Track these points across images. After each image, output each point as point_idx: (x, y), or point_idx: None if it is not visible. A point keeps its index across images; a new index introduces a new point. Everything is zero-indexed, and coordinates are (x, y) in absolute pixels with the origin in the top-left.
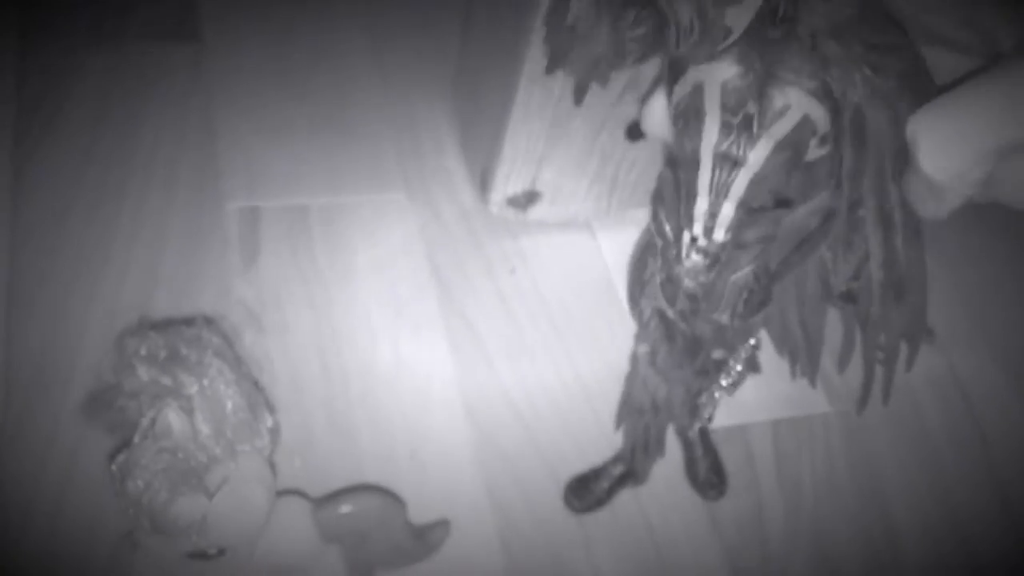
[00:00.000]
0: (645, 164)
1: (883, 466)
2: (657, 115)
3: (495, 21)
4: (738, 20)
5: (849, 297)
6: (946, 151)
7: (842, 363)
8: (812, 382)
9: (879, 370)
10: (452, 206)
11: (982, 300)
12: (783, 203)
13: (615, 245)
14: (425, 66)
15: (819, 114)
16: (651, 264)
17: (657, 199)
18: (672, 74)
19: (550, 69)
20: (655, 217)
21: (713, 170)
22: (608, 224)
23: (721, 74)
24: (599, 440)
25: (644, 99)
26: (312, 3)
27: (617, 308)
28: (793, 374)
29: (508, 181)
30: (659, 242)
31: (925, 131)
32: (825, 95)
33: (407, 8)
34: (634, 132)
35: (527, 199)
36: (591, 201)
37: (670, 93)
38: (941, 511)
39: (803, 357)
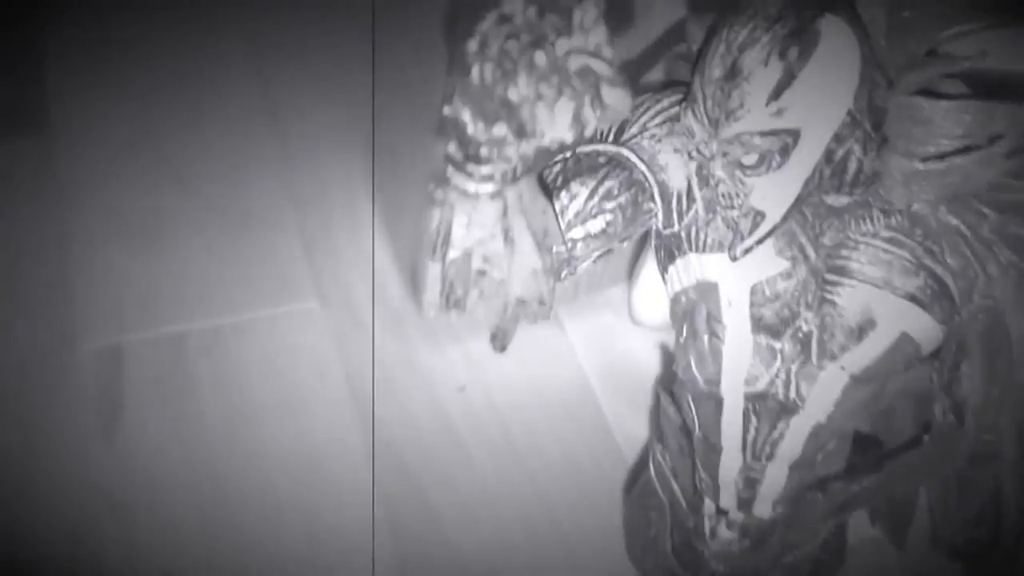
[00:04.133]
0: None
1: None
2: (647, 304)
3: (404, 87)
4: (775, 199)
5: (966, 553)
6: None
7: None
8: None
9: None
10: (379, 310)
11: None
12: (865, 463)
13: (586, 336)
14: (337, 135)
15: (925, 327)
16: (655, 521)
17: (655, 435)
18: (665, 255)
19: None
20: (653, 458)
21: (746, 417)
22: (576, 311)
23: (750, 269)
24: None
25: (632, 276)
26: (190, 68)
27: (592, 416)
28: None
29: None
30: (664, 497)
31: None
32: (934, 298)
33: (310, 74)
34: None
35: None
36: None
37: (663, 276)
38: None
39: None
